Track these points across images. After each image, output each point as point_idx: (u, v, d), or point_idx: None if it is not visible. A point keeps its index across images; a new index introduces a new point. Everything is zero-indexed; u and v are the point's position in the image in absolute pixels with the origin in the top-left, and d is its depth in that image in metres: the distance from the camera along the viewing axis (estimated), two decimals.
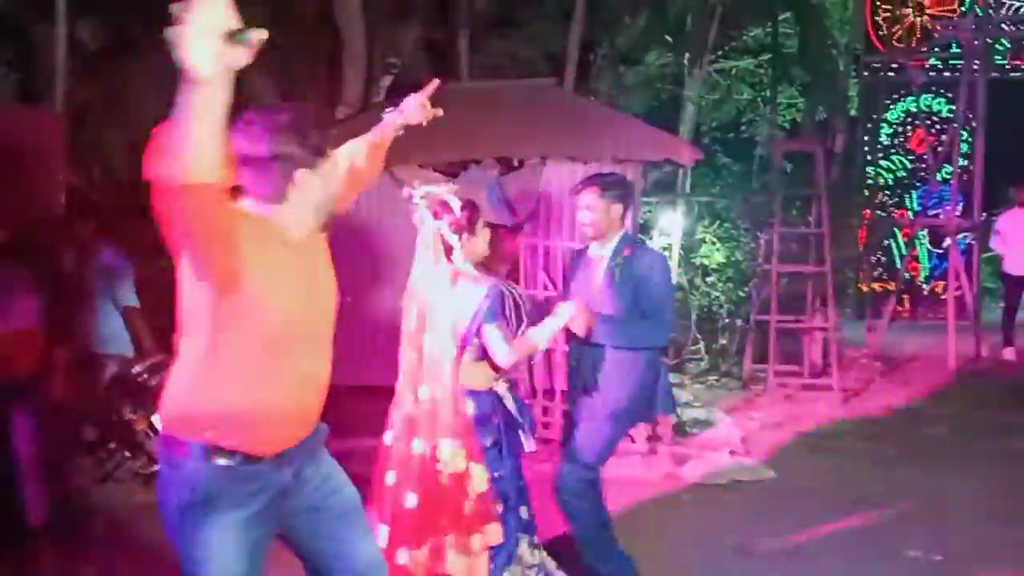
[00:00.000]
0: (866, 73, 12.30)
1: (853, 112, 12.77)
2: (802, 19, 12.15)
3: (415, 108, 2.59)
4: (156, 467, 4.71)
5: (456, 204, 3.01)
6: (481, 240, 3.12)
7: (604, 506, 3.40)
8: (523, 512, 3.18)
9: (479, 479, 2.89)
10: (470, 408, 2.97)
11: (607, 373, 3.30)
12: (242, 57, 1.53)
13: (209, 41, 1.47)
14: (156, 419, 4.55)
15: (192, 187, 1.58)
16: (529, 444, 3.20)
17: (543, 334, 3.04)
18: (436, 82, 2.65)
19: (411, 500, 2.82)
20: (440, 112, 2.63)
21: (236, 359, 1.93)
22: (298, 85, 7.82)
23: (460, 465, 2.86)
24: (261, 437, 1.97)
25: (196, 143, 1.54)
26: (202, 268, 1.80)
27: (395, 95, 8.01)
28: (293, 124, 1.94)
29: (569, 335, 3.34)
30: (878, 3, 12.04)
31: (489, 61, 9.19)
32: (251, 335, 1.91)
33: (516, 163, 6.33)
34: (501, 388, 3.16)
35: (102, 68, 8.08)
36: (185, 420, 1.96)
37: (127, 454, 4.84)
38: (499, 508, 3.01)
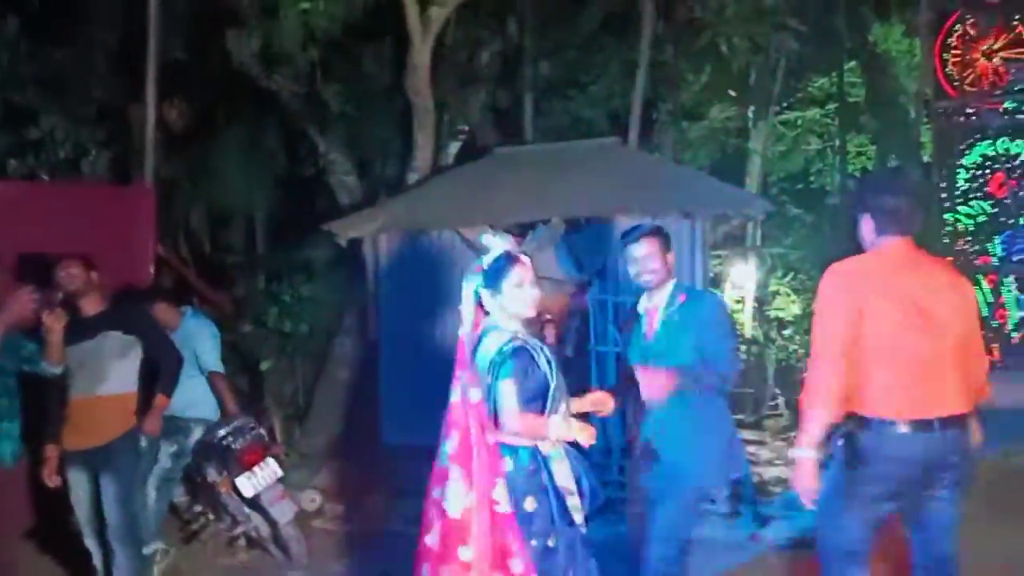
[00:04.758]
0: (939, 116, 12.04)
1: (927, 158, 12.48)
2: (868, 68, 12.02)
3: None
4: (239, 529, 4.81)
5: (491, 258, 2.87)
6: (520, 296, 2.86)
7: None
8: None
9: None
10: (508, 465, 2.76)
11: (673, 436, 3.25)
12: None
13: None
14: (240, 482, 4.66)
15: None
16: (578, 516, 2.80)
17: (556, 431, 2.77)
18: None
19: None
20: None
21: None
22: (369, 153, 8.05)
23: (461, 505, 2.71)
24: None
25: None
26: None
27: (463, 159, 8.20)
28: None
29: (623, 396, 3.28)
30: (946, 50, 11.86)
31: (553, 123, 9.31)
32: None
33: (584, 220, 6.36)
34: (548, 448, 2.82)
35: (188, 146, 8.50)
36: None
37: (211, 516, 4.94)
38: None
